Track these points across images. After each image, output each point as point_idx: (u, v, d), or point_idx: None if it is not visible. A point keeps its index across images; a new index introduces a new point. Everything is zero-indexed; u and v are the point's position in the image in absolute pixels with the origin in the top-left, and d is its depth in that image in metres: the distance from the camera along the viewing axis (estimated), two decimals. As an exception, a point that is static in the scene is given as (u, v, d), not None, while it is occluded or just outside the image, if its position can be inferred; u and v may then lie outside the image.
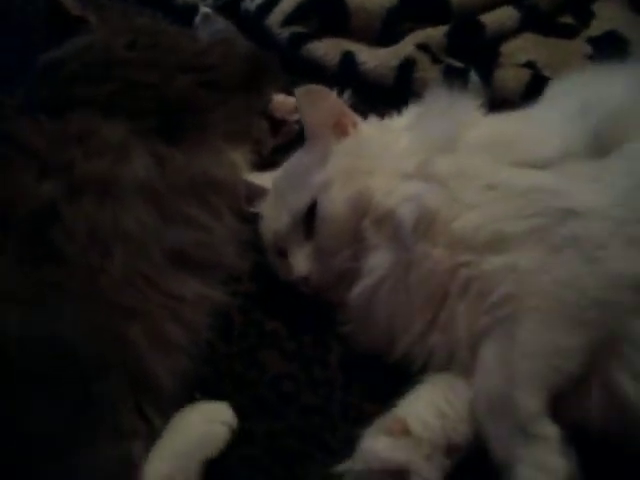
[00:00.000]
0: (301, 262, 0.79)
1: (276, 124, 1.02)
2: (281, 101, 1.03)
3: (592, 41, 1.02)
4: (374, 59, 1.06)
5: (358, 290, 0.74)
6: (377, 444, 0.64)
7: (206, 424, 0.72)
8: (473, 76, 1.00)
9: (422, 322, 0.71)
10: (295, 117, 1.01)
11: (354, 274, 0.76)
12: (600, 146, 0.69)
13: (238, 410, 0.73)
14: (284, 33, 1.14)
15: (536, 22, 1.06)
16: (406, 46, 1.05)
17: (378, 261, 0.73)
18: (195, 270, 0.82)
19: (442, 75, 1.01)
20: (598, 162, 0.68)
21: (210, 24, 1.20)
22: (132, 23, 1.05)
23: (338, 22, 1.12)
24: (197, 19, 1.22)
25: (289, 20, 1.14)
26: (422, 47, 1.04)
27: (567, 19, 1.07)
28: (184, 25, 1.21)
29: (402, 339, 0.72)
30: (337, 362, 0.79)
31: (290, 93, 1.00)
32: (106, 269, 0.74)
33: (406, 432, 0.64)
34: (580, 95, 0.74)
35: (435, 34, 1.06)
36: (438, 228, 0.70)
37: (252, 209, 0.89)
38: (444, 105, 0.79)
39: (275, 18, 1.16)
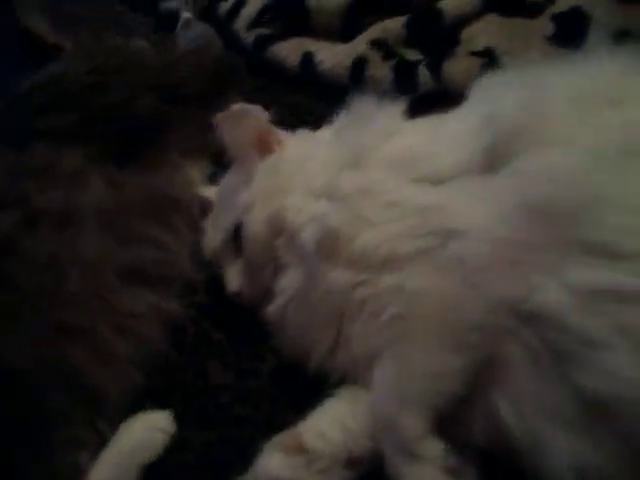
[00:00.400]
0: (233, 278, 0.83)
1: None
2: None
3: (556, 18, 0.95)
4: (331, 58, 1.05)
5: (272, 308, 0.77)
6: (270, 460, 0.66)
7: (144, 432, 0.78)
8: (423, 70, 0.97)
9: (328, 340, 0.72)
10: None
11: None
12: (495, 161, 0.66)
13: (181, 419, 0.78)
14: (250, 37, 1.15)
15: (501, 1, 1.00)
16: (360, 44, 1.03)
17: (288, 281, 0.75)
18: (152, 286, 0.87)
19: (392, 72, 0.99)
20: (489, 178, 0.66)
21: (189, 30, 1.24)
22: (104, 45, 1.09)
23: (299, 22, 1.12)
24: (179, 25, 1.26)
25: (255, 23, 1.15)
26: (376, 43, 1.02)
27: (534, -4, 1.00)
28: (167, 31, 1.25)
29: (313, 356, 0.74)
30: (268, 373, 0.82)
31: (253, 100, 1.01)
32: (60, 292, 0.80)
33: (300, 448, 0.66)
34: (487, 105, 0.71)
35: (393, 26, 1.03)
36: (340, 247, 0.71)
37: (205, 223, 0.93)
38: (364, 116, 0.79)
39: (242, 22, 1.17)
